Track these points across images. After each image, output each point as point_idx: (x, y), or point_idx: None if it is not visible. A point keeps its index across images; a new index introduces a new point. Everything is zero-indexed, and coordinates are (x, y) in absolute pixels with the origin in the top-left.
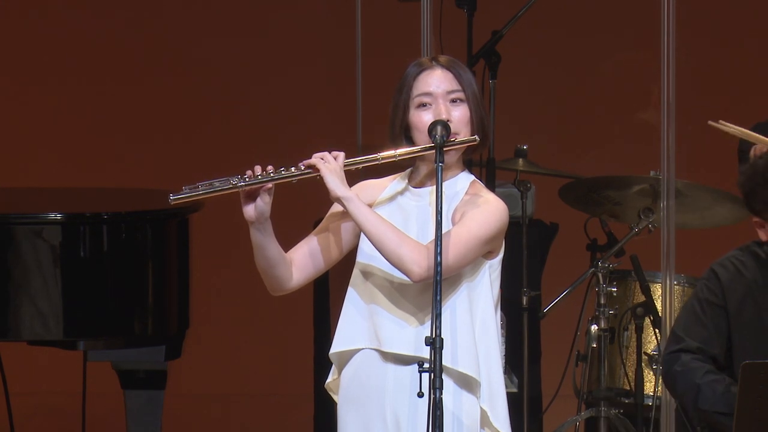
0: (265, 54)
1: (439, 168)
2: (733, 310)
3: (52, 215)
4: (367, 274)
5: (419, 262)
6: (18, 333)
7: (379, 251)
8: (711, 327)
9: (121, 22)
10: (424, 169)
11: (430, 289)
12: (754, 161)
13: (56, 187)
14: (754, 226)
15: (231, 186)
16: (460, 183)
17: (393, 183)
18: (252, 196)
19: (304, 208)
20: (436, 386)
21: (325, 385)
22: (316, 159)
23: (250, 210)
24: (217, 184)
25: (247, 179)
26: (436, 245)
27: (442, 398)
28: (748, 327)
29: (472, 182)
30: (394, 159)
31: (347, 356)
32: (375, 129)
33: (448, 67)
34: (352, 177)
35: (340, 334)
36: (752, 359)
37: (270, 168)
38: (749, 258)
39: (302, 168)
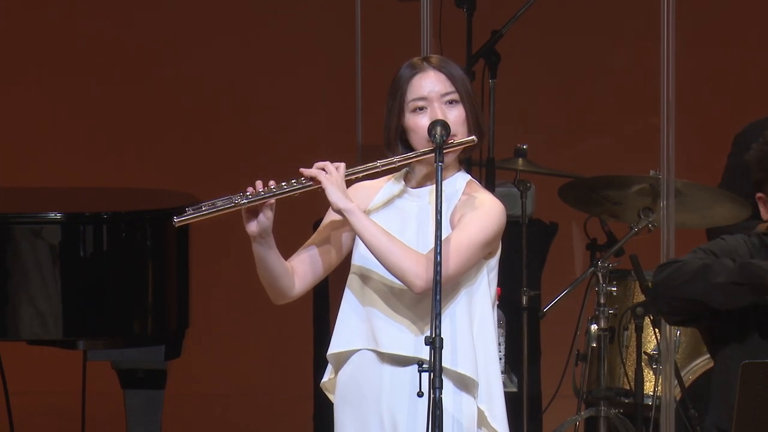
0: (265, 54)
1: (439, 168)
2: None
3: (51, 215)
4: (363, 277)
5: (421, 275)
6: (17, 332)
7: (380, 263)
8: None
9: (123, 21)
10: (420, 169)
11: (428, 295)
12: (764, 134)
13: (56, 187)
14: (758, 202)
15: (233, 204)
16: (457, 183)
17: (388, 184)
18: (254, 212)
19: (301, 211)
20: (435, 386)
21: (321, 385)
22: (316, 171)
23: (252, 226)
24: (219, 203)
25: (249, 196)
26: (436, 245)
27: (441, 398)
28: None
29: (469, 182)
30: (393, 166)
31: (344, 357)
32: (375, 129)
33: (440, 68)
34: (350, 181)
35: (338, 335)
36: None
37: (272, 183)
38: (755, 238)
39: (303, 180)
